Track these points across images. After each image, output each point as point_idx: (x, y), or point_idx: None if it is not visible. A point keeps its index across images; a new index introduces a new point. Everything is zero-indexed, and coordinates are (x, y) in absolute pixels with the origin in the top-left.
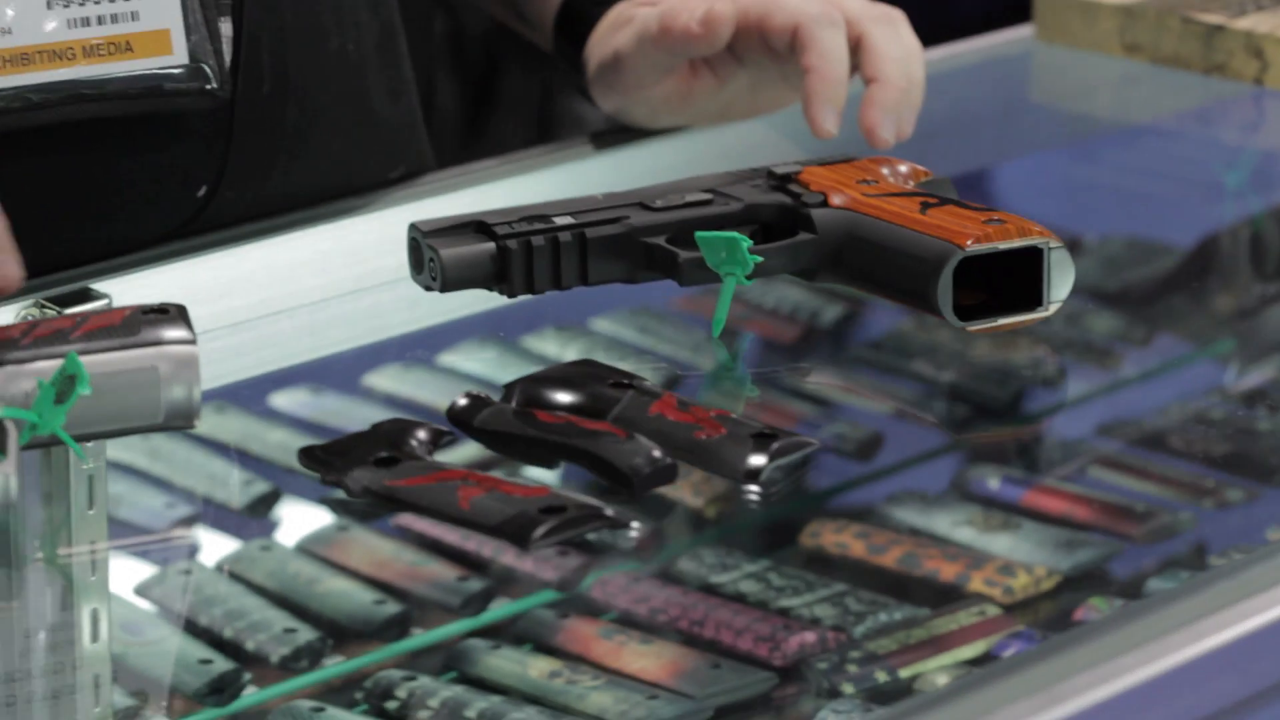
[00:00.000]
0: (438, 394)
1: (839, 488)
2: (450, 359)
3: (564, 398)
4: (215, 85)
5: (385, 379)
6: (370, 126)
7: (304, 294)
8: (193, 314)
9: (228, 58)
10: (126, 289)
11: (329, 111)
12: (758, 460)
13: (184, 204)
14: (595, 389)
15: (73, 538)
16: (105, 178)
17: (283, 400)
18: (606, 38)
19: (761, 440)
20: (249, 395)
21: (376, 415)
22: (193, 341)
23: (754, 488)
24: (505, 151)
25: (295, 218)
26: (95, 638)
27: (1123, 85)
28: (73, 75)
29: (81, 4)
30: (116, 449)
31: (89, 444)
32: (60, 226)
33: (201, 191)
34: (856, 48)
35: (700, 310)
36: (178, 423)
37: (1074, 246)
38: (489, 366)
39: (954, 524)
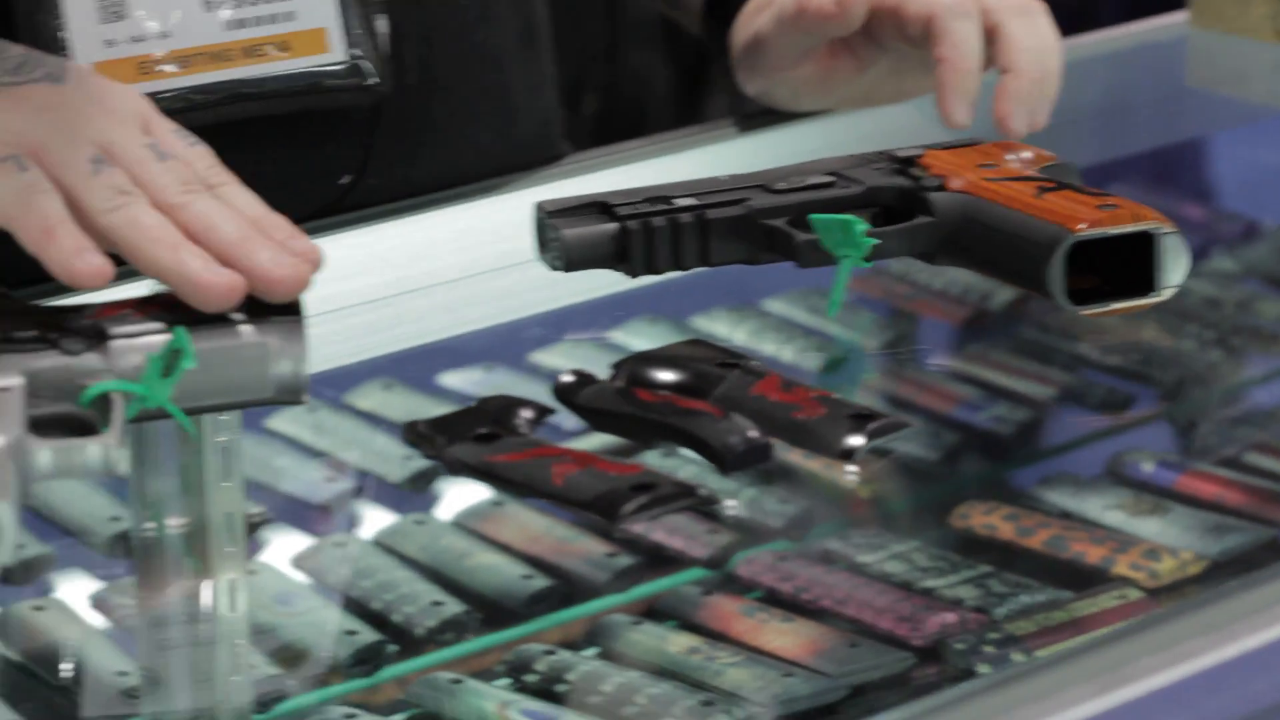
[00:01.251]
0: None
1: (992, 470)
2: (619, 336)
3: (668, 376)
4: (373, 81)
5: (552, 356)
6: (510, 119)
7: (442, 272)
8: (333, 290)
9: (386, 49)
10: None
11: (471, 104)
12: (854, 440)
13: (326, 192)
14: (700, 368)
15: (208, 508)
16: (253, 170)
17: (451, 378)
18: (749, 20)
19: (858, 420)
20: (405, 371)
21: (540, 394)
22: (301, 317)
23: (851, 467)
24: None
25: (435, 198)
26: (233, 607)
27: (1277, 71)
28: (232, 76)
29: (239, 6)
30: (279, 422)
31: (222, 416)
32: None
33: (344, 180)
34: (992, 38)
35: (877, 293)
36: (286, 398)
37: (1248, 231)
38: (655, 344)
39: (1104, 507)
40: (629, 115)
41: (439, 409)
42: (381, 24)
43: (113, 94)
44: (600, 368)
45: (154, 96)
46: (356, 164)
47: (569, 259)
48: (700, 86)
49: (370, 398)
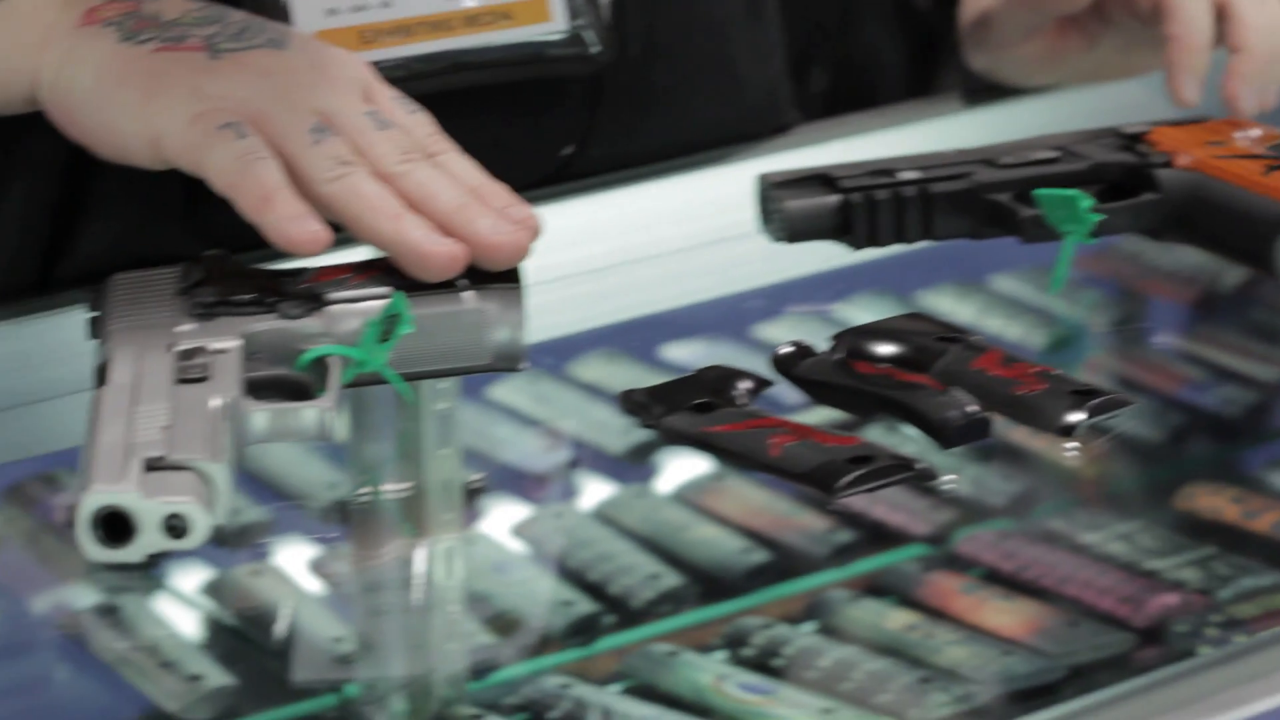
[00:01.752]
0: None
1: (1219, 452)
2: (844, 310)
3: (887, 349)
4: (596, 50)
5: (773, 329)
6: (735, 89)
7: (664, 243)
8: (554, 260)
9: (607, 17)
10: None
11: (695, 73)
12: (1074, 416)
13: (546, 162)
14: (920, 342)
15: (425, 475)
16: (473, 140)
17: (673, 350)
18: None
19: (1080, 396)
20: (628, 341)
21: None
22: (520, 284)
23: (1071, 443)
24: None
25: (656, 168)
26: (449, 574)
27: None
28: (453, 45)
29: None
30: (501, 391)
31: (440, 384)
32: None
33: (566, 151)
34: (1223, 15)
35: (1104, 271)
36: (504, 365)
37: None
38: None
39: None
40: (856, 88)
41: (659, 380)
42: None
43: (334, 61)
44: (821, 340)
45: (375, 65)
46: (578, 134)
47: (791, 231)
48: (928, 61)
49: (591, 368)
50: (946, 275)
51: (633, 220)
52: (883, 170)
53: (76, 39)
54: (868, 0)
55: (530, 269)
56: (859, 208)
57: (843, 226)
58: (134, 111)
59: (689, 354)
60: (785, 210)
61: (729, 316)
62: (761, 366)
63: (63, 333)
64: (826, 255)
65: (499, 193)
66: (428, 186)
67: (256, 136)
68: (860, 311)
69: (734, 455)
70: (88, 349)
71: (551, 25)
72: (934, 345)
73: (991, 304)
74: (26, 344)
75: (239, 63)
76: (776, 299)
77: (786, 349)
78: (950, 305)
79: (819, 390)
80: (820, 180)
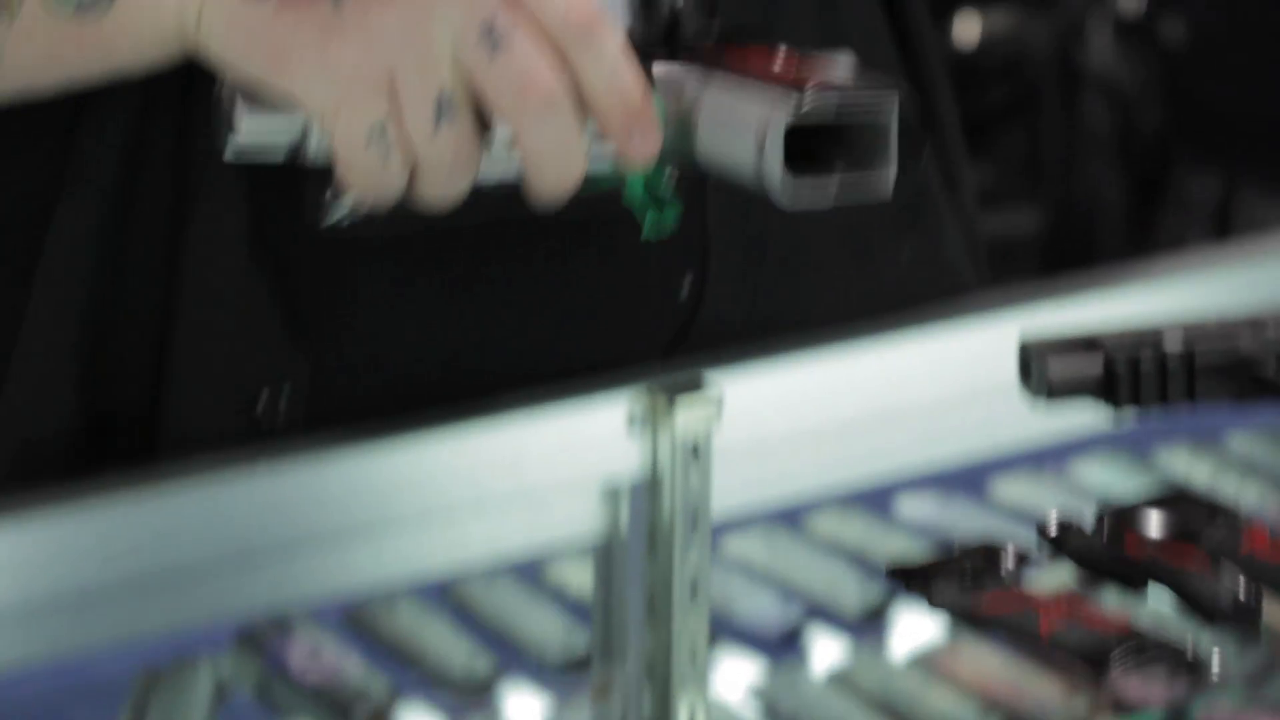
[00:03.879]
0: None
1: None
2: (1086, 470)
3: (1156, 525)
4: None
5: (1011, 488)
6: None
7: (914, 399)
8: (798, 415)
9: None
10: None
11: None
12: None
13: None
14: (1187, 519)
15: (674, 631)
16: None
17: (909, 506)
18: None
19: None
20: (870, 500)
21: (1003, 529)
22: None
23: None
24: (1178, 250)
25: (889, 322)
26: None
27: None
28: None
29: None
30: (736, 546)
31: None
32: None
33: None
34: None
35: None
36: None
37: None
38: (1126, 479)
39: None
40: (1074, 228)
41: (905, 541)
42: None
43: None
44: (1077, 505)
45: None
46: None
47: (1052, 390)
48: (1149, 200)
49: (831, 524)
50: (1180, 429)
51: (883, 377)
52: (1147, 333)
53: (194, 13)
54: (1168, 140)
55: (771, 426)
56: (1123, 372)
57: (1105, 389)
58: (269, 87)
59: (935, 514)
60: (1049, 370)
61: (968, 475)
62: (1019, 532)
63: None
64: (1082, 414)
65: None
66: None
67: (396, 150)
68: (1102, 472)
69: (1001, 630)
70: (316, 502)
71: None
72: (1203, 522)
73: (1226, 464)
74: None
75: (364, 7)
76: (1028, 459)
77: (1054, 526)
78: (1185, 465)
79: (1086, 565)
80: (1083, 343)
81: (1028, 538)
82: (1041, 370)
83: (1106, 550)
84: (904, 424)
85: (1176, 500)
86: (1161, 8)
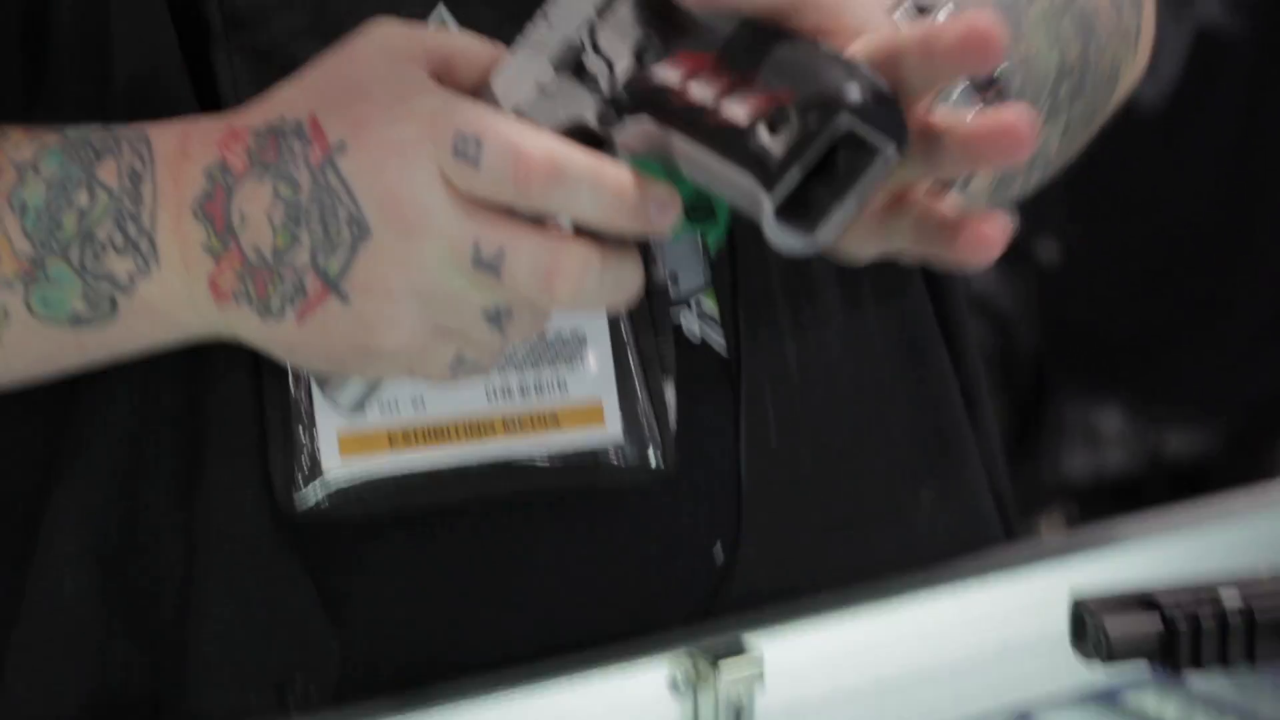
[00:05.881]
0: None
1: None
2: None
3: None
4: (657, 464)
5: None
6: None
7: (952, 653)
8: (836, 674)
9: (673, 425)
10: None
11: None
12: None
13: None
14: None
15: None
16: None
17: None
18: None
19: None
20: None
21: None
22: None
23: None
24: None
25: (922, 579)
26: None
27: None
28: (496, 449)
29: (503, 371)
30: None
31: None
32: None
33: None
34: None
35: None
36: None
37: None
38: None
39: None
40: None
41: None
42: (670, 392)
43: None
44: None
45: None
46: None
47: (1111, 652)
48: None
49: None
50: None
51: (926, 630)
52: (1204, 589)
53: (221, 325)
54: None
55: (812, 679)
56: (1183, 632)
57: (1164, 650)
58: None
59: None
60: (1107, 632)
61: None
62: None
63: None
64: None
65: None
66: None
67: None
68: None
69: None
70: None
71: (604, 432)
72: None
73: (1192, 704)
74: None
75: (366, 290)
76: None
77: None
78: (1154, 707)
79: None
80: (1138, 601)
81: None
82: (1099, 630)
83: None
84: (942, 679)
85: None
86: (1036, 229)
